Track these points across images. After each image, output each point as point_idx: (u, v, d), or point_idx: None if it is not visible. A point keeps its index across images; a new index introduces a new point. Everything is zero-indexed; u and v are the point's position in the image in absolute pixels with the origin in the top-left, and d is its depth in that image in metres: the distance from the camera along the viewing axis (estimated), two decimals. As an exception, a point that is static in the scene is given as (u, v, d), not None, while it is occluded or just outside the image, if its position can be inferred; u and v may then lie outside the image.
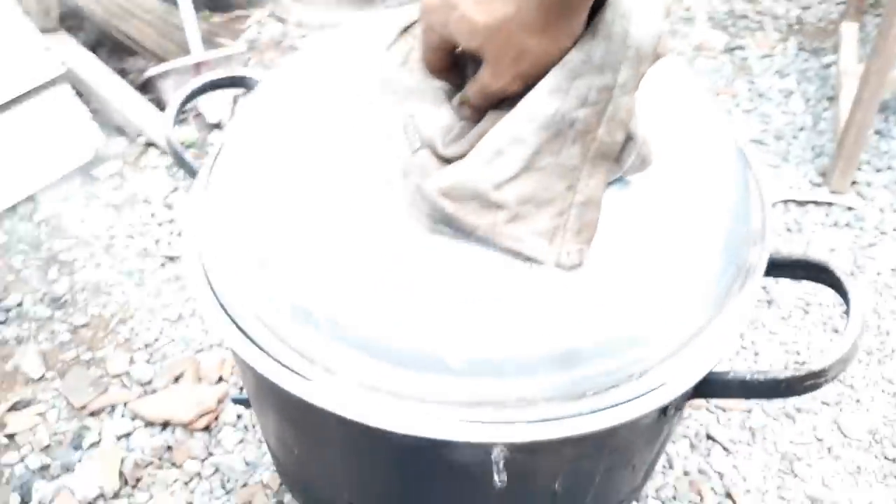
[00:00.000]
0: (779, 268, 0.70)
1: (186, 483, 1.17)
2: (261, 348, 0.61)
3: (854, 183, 1.72)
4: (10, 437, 1.24)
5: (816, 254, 1.59)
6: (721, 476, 1.21)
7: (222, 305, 0.64)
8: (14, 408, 1.27)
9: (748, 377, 0.63)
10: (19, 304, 1.45)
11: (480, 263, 0.58)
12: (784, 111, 1.92)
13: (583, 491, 0.74)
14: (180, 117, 1.89)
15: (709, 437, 1.25)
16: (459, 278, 0.58)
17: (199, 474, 1.18)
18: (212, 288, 0.66)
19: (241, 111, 0.77)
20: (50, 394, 1.30)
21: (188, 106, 1.94)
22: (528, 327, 0.57)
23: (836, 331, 1.43)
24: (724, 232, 0.65)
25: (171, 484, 1.17)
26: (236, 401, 1.14)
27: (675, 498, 1.17)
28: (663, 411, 0.63)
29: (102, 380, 1.32)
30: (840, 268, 0.68)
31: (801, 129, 1.88)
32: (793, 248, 1.60)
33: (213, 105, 1.86)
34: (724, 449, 1.24)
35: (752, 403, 1.30)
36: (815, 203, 1.69)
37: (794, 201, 1.69)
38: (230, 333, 0.62)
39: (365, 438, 0.66)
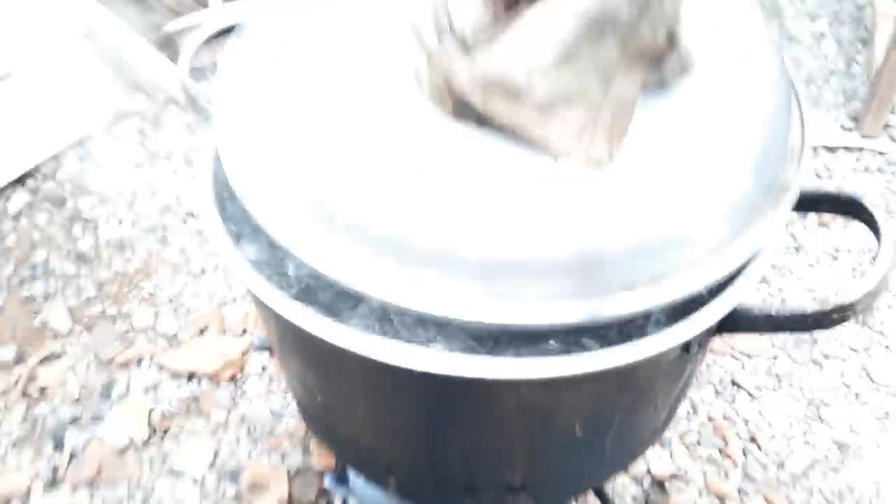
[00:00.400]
0: (809, 202, 0.68)
1: (213, 432, 1.19)
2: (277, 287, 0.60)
3: (887, 127, 1.67)
4: (42, 389, 1.26)
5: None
6: (746, 422, 1.20)
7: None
8: (44, 361, 1.29)
9: (774, 312, 0.62)
10: (45, 261, 1.46)
11: (504, 158, 0.55)
12: (815, 55, 1.87)
13: (604, 430, 0.73)
14: (200, 75, 1.89)
15: (734, 383, 1.24)
16: (482, 174, 0.55)
17: (225, 424, 1.20)
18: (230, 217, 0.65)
19: (258, 16, 0.74)
20: (78, 348, 1.32)
21: (207, 63, 1.93)
22: (550, 226, 0.54)
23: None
24: (761, 142, 0.61)
25: (199, 433, 1.19)
26: (260, 347, 1.15)
27: (699, 443, 1.17)
28: (686, 348, 0.62)
29: (129, 334, 1.34)
30: (871, 201, 0.66)
31: (833, 72, 1.82)
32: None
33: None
34: (750, 395, 1.23)
35: (779, 350, 1.29)
36: (846, 148, 1.65)
37: (824, 147, 1.65)
38: (247, 272, 0.62)
39: (378, 374, 0.65)
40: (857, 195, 0.65)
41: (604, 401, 0.68)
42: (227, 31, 0.92)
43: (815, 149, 1.64)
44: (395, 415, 0.75)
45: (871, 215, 0.65)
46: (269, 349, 1.05)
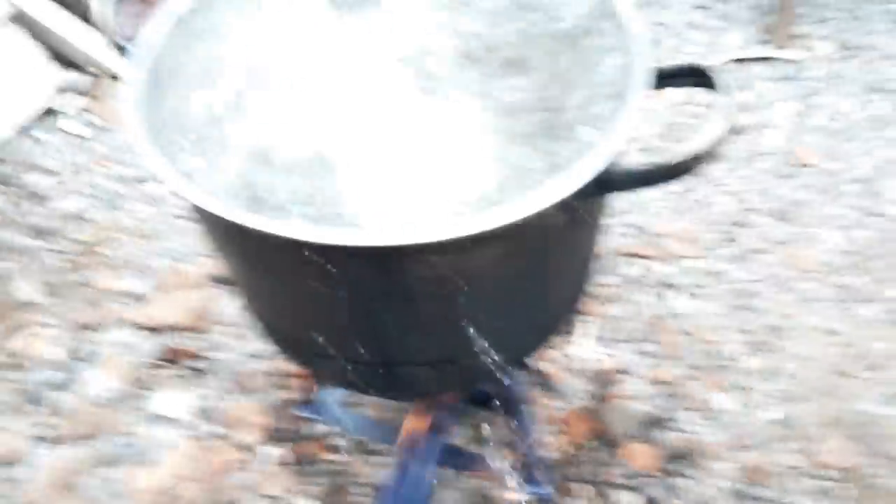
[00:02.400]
0: (668, 78, 0.76)
1: (189, 378, 1.26)
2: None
3: (796, 37, 1.78)
4: (25, 358, 1.31)
5: (762, 101, 1.66)
6: (686, 317, 1.30)
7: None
8: (18, 330, 1.34)
9: (635, 168, 0.69)
10: (6, 238, 1.50)
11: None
12: (728, -25, 1.96)
13: (513, 298, 0.78)
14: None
15: (671, 285, 1.35)
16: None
17: (202, 369, 1.27)
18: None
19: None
20: (51, 316, 1.36)
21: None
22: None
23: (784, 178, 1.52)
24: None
25: (176, 381, 1.25)
26: (216, 279, 1.23)
27: (642, 339, 1.27)
28: (571, 211, 0.68)
29: (96, 297, 1.39)
30: (713, 69, 0.73)
31: (746, -10, 1.92)
32: (743, 104, 1.66)
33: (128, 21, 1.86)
34: (687, 294, 1.33)
35: (708, 252, 1.39)
36: (761, 59, 1.75)
37: (739, 60, 1.75)
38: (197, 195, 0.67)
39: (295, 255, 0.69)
40: (704, 66, 0.73)
41: (507, 265, 0.73)
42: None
43: (734, 62, 1.75)
44: (325, 301, 0.78)
45: (710, 79, 0.73)
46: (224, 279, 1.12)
